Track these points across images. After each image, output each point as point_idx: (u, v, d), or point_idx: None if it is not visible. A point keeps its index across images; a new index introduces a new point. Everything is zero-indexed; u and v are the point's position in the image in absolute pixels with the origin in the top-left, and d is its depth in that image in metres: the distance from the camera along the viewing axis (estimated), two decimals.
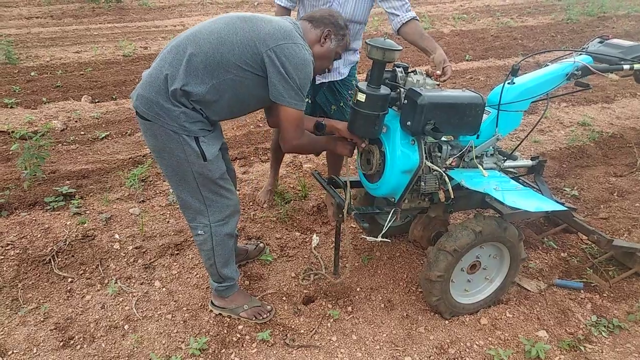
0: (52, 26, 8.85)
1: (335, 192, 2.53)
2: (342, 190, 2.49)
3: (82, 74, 6.21)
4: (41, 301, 2.52)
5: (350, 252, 2.95)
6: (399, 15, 2.64)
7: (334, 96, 2.88)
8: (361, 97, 2.09)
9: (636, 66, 2.47)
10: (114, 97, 5.52)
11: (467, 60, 7.35)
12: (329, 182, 2.59)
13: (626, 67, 2.47)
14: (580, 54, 2.55)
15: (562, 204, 2.71)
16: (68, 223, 3.10)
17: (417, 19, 2.68)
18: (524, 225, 3.21)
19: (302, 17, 2.17)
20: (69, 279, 2.67)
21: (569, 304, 2.57)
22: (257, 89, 2.01)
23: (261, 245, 2.92)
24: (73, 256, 2.83)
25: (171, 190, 3.49)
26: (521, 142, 2.72)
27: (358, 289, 2.66)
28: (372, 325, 2.43)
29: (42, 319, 2.40)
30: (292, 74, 1.92)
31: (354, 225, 3.21)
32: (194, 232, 2.23)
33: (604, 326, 2.44)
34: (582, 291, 2.67)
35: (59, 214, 3.21)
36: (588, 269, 2.81)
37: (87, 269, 2.76)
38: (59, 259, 2.79)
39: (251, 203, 3.47)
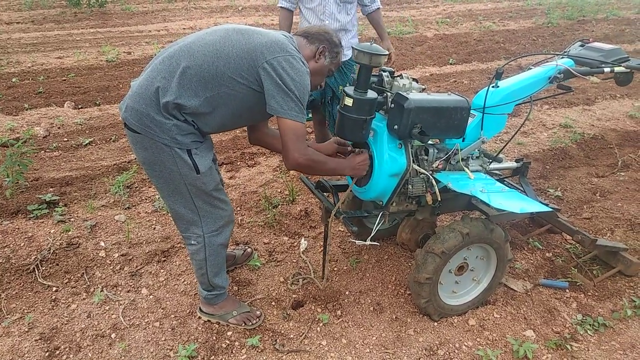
0: (33, 31, 8.73)
1: (323, 195, 2.53)
2: (330, 194, 2.50)
3: (65, 80, 6.13)
4: (25, 311, 2.48)
5: (339, 255, 2.96)
6: (368, 5, 3.47)
7: (342, 77, 3.22)
8: (348, 101, 2.10)
9: (616, 69, 2.52)
10: (97, 102, 5.45)
11: (451, 64, 7.43)
12: (317, 186, 2.60)
13: (607, 69, 2.52)
14: (562, 58, 2.60)
15: (547, 204, 2.75)
16: (52, 231, 3.06)
17: (380, 8, 3.51)
18: (509, 226, 3.25)
19: (297, 33, 2.15)
20: (54, 288, 2.63)
21: (555, 304, 2.61)
22: (251, 103, 1.98)
23: (249, 250, 2.91)
24: (57, 265, 2.78)
25: (157, 197, 3.47)
26: (506, 144, 2.76)
27: (347, 293, 2.67)
28: (362, 329, 2.43)
29: (26, 329, 2.36)
30: (291, 85, 1.88)
31: (342, 229, 3.22)
32: (186, 242, 2.21)
33: (590, 324, 2.47)
34: (567, 290, 2.71)
35: (43, 222, 3.16)
36: (573, 268, 2.85)
37: (72, 277, 2.71)
38: (43, 268, 2.75)
39: (239, 208, 3.45)
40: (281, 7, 3.39)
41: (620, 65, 2.52)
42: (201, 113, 1.92)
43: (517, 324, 2.48)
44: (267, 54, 1.89)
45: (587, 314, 2.55)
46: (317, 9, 3.26)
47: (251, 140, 2.37)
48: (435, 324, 2.46)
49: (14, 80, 5.99)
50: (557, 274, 2.84)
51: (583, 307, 2.59)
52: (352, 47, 2.09)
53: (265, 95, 1.91)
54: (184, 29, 9.27)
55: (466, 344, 2.35)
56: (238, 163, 4.15)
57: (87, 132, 4.72)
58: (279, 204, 3.50)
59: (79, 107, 5.35)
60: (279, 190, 3.68)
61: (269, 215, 3.32)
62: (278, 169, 4.04)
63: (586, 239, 2.80)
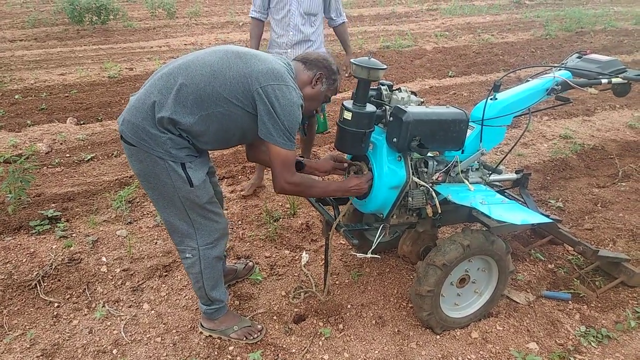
0: (36, 49, 8.82)
1: (324, 209, 2.54)
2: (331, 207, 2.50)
3: (67, 96, 6.19)
4: (27, 327, 2.47)
5: (340, 268, 2.95)
6: (334, 19, 3.60)
7: None
8: (347, 115, 2.12)
9: (614, 80, 2.53)
10: (99, 118, 5.50)
11: (450, 77, 7.47)
12: (318, 199, 2.60)
13: (604, 81, 2.53)
14: (560, 69, 2.62)
15: (547, 216, 2.75)
16: (54, 247, 3.06)
17: (345, 22, 3.66)
18: (511, 237, 3.24)
19: (296, 58, 2.18)
20: (56, 304, 2.63)
21: (558, 315, 2.59)
22: (244, 125, 2.01)
23: (250, 264, 2.91)
24: (59, 280, 2.78)
25: None
26: (505, 155, 2.77)
27: (349, 306, 2.66)
28: (364, 343, 2.42)
29: (28, 346, 2.35)
30: (281, 115, 1.92)
31: (344, 242, 3.22)
32: (181, 256, 2.22)
33: (593, 336, 2.46)
34: (570, 302, 2.70)
35: (45, 237, 3.17)
36: (575, 279, 2.84)
37: (73, 293, 2.71)
38: (45, 284, 2.75)
39: (240, 222, 3.46)
40: (252, 17, 3.54)
41: (618, 77, 2.54)
42: (195, 130, 1.95)
43: (520, 336, 2.46)
44: (262, 80, 1.92)
45: (590, 325, 2.53)
46: (283, 21, 3.39)
47: (249, 157, 2.42)
48: (438, 337, 2.44)
49: (17, 97, 6.04)
50: (560, 285, 2.83)
51: (586, 319, 2.58)
52: (351, 62, 2.11)
53: (258, 119, 1.96)
54: (185, 44, 9.36)
55: (469, 357, 2.33)
56: (239, 177, 4.17)
57: (89, 147, 4.75)
58: (280, 218, 3.50)
59: (81, 123, 5.39)
60: (280, 204, 3.69)
61: (270, 229, 3.32)
62: None
63: (588, 250, 2.80)
